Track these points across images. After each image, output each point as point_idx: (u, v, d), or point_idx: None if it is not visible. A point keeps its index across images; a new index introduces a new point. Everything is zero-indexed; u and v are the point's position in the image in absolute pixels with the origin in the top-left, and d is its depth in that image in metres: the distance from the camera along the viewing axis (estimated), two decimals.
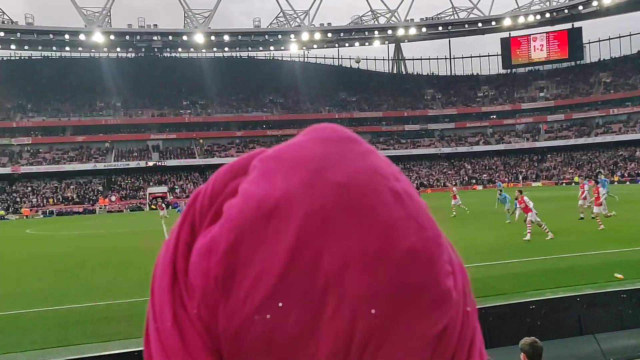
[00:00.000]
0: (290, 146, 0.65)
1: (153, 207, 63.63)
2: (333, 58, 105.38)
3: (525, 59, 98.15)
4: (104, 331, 9.81)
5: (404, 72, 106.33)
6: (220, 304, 0.60)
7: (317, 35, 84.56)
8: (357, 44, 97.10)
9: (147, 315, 0.60)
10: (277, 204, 0.60)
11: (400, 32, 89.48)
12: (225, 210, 0.63)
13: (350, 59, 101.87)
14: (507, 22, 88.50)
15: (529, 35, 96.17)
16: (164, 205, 40.46)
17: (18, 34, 77.10)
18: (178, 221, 0.67)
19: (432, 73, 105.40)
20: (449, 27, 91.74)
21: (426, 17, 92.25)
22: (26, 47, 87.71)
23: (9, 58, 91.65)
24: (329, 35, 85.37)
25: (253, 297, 0.58)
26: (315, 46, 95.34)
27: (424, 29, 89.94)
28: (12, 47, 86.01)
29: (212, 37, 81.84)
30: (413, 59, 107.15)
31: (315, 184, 0.60)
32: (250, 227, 0.60)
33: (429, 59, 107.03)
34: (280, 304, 0.58)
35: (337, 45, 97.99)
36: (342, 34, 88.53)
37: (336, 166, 0.58)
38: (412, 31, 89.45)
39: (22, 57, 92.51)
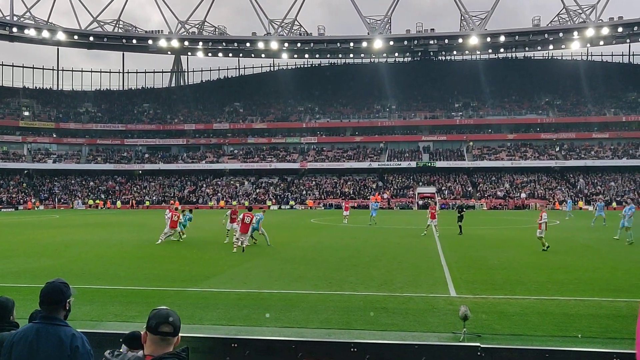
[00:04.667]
0: None
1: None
2: (622, 55, 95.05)
3: None
4: (383, 321, 10.01)
5: None
6: None
7: (605, 31, 76.79)
8: None
9: None
10: None
11: None
12: None
13: None
14: None
15: None
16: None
17: (311, 44, 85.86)
18: None
19: None
20: None
21: None
22: (317, 56, 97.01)
23: (302, 66, 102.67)
24: (619, 30, 76.83)
25: None
26: (601, 43, 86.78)
27: None
28: (306, 56, 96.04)
29: (488, 39, 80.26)
30: None
31: None
32: None
33: None
34: None
35: (628, 40, 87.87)
36: (635, 28, 79.01)
37: None
38: None
39: (312, 65, 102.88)
